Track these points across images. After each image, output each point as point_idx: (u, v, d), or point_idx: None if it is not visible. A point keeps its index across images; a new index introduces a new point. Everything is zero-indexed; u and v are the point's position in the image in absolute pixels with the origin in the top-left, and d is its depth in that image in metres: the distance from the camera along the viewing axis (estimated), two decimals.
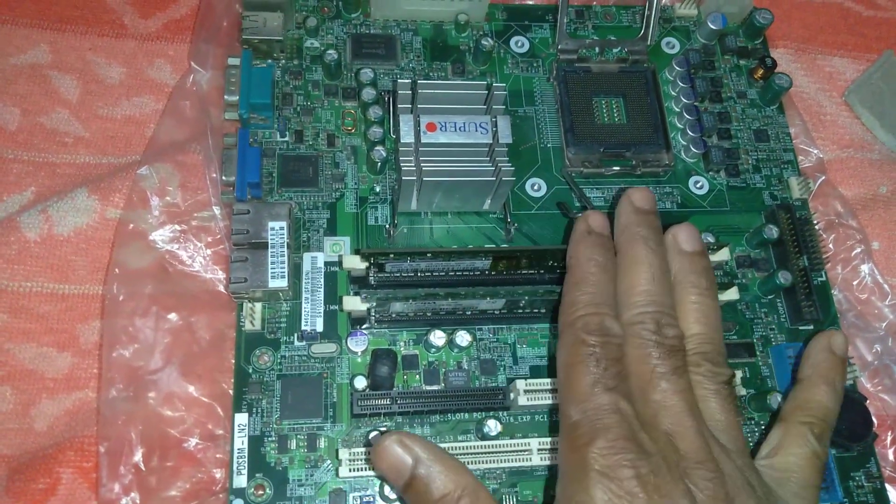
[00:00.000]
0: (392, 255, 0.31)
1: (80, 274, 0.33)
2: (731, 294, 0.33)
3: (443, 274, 0.33)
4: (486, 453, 0.30)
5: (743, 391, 0.33)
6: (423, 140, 0.33)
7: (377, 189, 0.36)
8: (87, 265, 0.33)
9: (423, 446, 0.26)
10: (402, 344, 0.33)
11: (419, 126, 0.33)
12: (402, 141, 0.33)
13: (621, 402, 0.25)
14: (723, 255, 0.34)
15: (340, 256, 0.33)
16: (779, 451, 0.28)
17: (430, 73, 0.39)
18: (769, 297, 0.37)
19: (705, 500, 0.23)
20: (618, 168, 0.38)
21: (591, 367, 0.25)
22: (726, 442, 0.26)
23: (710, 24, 0.41)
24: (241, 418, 0.31)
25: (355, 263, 0.31)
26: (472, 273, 0.33)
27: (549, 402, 0.31)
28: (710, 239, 0.35)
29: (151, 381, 0.30)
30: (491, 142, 0.34)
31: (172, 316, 0.31)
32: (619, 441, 0.24)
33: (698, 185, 0.38)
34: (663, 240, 0.30)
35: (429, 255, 0.31)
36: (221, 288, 0.33)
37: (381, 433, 0.29)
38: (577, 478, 0.24)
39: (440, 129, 0.33)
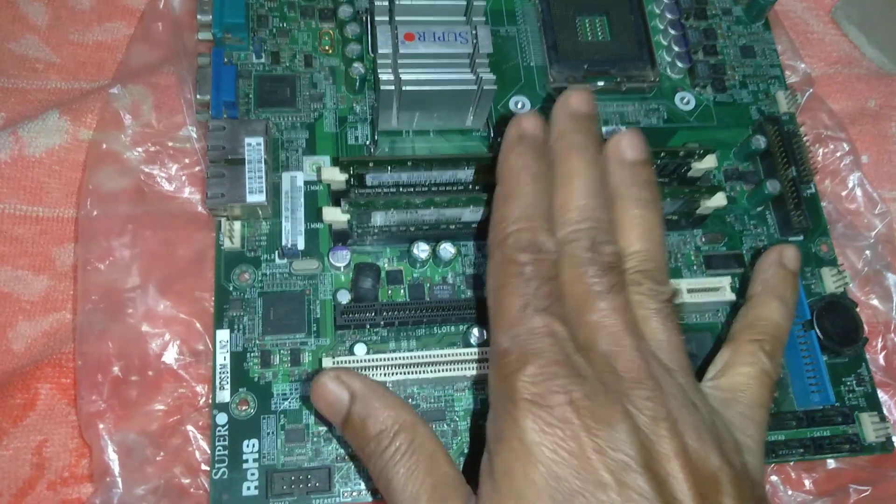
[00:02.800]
0: (371, 164, 0.30)
1: (53, 196, 0.32)
2: (718, 200, 0.33)
3: (425, 188, 0.32)
4: (473, 361, 0.30)
5: (732, 297, 0.32)
6: (402, 50, 0.32)
7: (356, 109, 0.35)
8: (60, 188, 0.32)
9: (360, 382, 0.25)
10: (385, 261, 0.33)
11: (397, 36, 0.33)
12: (379, 51, 0.32)
13: (554, 324, 0.23)
14: (709, 162, 0.33)
15: (319, 168, 0.33)
16: (727, 371, 0.26)
17: None
18: (758, 208, 0.36)
19: (645, 421, 0.22)
20: (602, 84, 0.37)
21: (520, 287, 0.23)
22: (668, 361, 0.24)
23: None
24: (223, 334, 0.30)
25: (335, 175, 0.30)
26: (454, 185, 0.32)
27: None
28: (695, 145, 0.35)
29: (129, 299, 0.29)
30: (471, 51, 0.33)
31: (149, 234, 0.31)
32: (551, 366, 0.22)
33: (684, 101, 0.38)
34: (602, 148, 0.27)
35: (409, 163, 0.30)
36: (200, 208, 0.32)
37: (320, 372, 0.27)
38: (507, 409, 0.22)
39: (418, 38, 0.33)
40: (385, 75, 0.32)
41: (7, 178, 0.31)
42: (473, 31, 0.33)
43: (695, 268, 0.34)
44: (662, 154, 0.32)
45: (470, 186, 0.32)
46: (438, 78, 0.32)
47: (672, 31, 0.38)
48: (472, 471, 0.23)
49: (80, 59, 0.35)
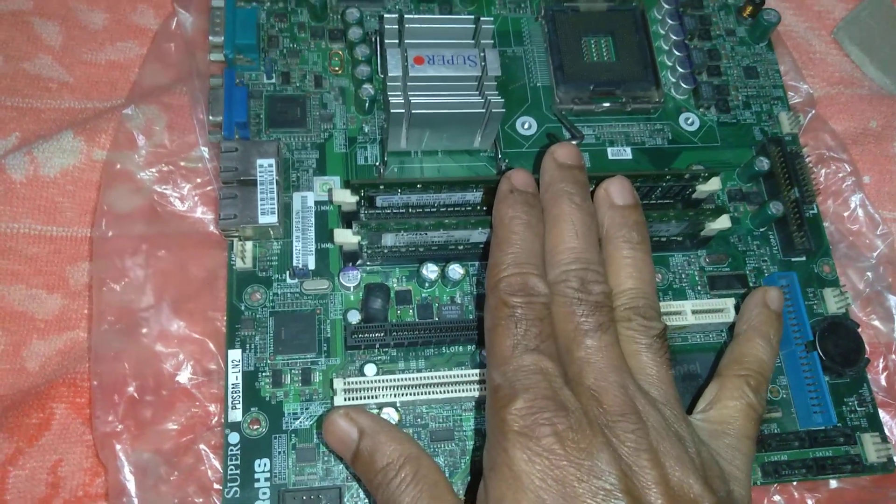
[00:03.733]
0: (382, 187, 0.31)
1: (67, 216, 0.32)
2: (723, 222, 0.33)
3: (433, 209, 0.33)
4: (481, 381, 0.30)
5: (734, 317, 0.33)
6: (412, 73, 0.33)
7: (366, 129, 0.36)
8: (74, 207, 0.33)
9: (367, 419, 0.27)
10: (394, 280, 0.33)
11: (406, 59, 0.33)
12: (389, 74, 0.33)
13: (542, 361, 0.24)
14: (713, 184, 0.34)
15: (330, 189, 0.33)
16: (715, 404, 0.28)
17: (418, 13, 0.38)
18: (761, 229, 0.37)
19: (627, 452, 0.23)
20: (608, 105, 0.37)
21: (511, 328, 0.25)
22: (657, 395, 0.26)
23: None
24: (235, 354, 0.31)
25: (345, 197, 0.31)
26: (463, 206, 0.33)
27: None
28: (700, 168, 0.35)
29: (143, 318, 0.30)
30: (480, 74, 0.33)
31: (163, 254, 0.31)
32: (539, 400, 0.23)
33: (689, 122, 0.38)
34: (589, 195, 0.29)
35: (419, 186, 0.31)
36: (212, 228, 0.33)
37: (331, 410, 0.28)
38: (498, 440, 0.23)
39: (428, 61, 0.33)
40: (395, 98, 0.32)
41: (22, 198, 0.32)
42: (482, 54, 0.34)
43: (699, 288, 0.35)
44: (668, 177, 0.33)
45: (479, 208, 0.32)
46: (448, 101, 0.33)
47: (677, 52, 0.39)
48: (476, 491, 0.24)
49: (94, 78, 0.36)
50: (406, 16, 0.33)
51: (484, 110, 0.33)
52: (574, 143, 0.35)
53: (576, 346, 0.25)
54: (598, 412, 0.24)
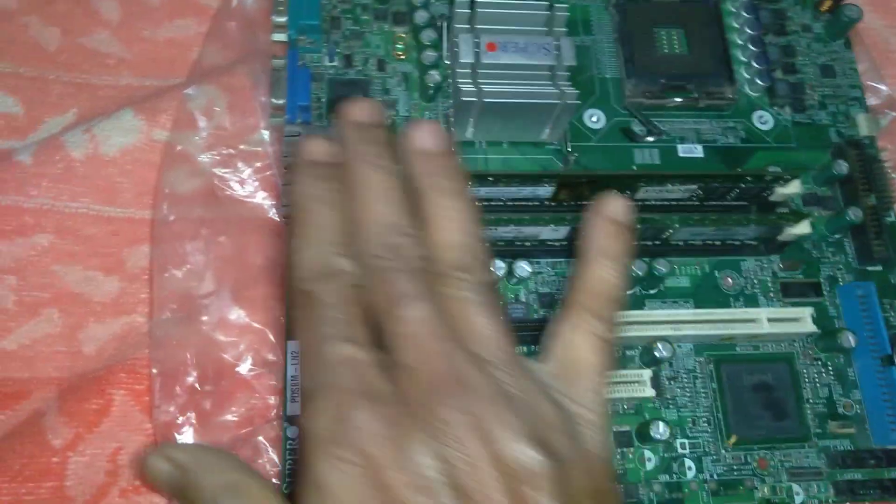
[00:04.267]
0: None
1: (126, 197, 0.32)
2: (804, 228, 0.32)
3: (501, 203, 0.32)
4: None
5: (813, 328, 0.31)
6: (483, 60, 0.32)
7: (428, 116, 0.35)
8: (133, 188, 0.32)
9: (184, 453, 0.25)
10: None
11: (479, 45, 0.32)
12: (461, 61, 0.32)
13: (348, 350, 0.21)
14: (794, 187, 0.32)
15: None
16: (558, 343, 0.24)
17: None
18: (836, 236, 0.35)
19: (450, 435, 0.20)
20: (680, 100, 0.36)
21: (313, 320, 0.22)
22: (487, 356, 0.22)
23: None
24: (295, 345, 0.30)
25: None
26: (532, 202, 0.31)
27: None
28: (779, 171, 0.34)
29: (203, 305, 0.29)
30: (554, 63, 0.32)
31: (223, 240, 0.30)
32: (343, 396, 0.20)
33: (762, 120, 0.37)
34: (391, 153, 0.25)
35: (490, 178, 0.30)
36: (272, 214, 0.32)
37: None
38: (303, 455, 0.20)
39: (501, 49, 0.32)
40: (466, 86, 0.31)
41: (81, 177, 0.31)
42: (556, 43, 0.33)
43: (771, 295, 0.34)
44: (748, 178, 0.31)
45: (550, 203, 0.31)
46: (520, 90, 0.31)
47: (752, 48, 0.37)
48: None
49: (151, 55, 0.35)
50: (477, 0, 0.32)
51: (558, 101, 0.31)
52: (650, 139, 0.34)
53: (392, 322, 0.22)
54: (417, 394, 0.21)
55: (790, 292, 0.34)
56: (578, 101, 0.31)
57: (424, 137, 0.25)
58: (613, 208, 0.26)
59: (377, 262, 0.23)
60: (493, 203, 0.31)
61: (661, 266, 0.31)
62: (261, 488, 0.24)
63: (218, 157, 0.32)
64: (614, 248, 0.26)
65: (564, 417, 0.22)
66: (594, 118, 0.36)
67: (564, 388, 0.23)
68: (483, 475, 0.20)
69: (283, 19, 0.33)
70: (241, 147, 0.32)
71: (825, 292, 0.34)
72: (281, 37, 0.34)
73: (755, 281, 0.34)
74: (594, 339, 0.24)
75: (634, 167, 0.35)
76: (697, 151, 0.36)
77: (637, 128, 0.35)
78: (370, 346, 0.22)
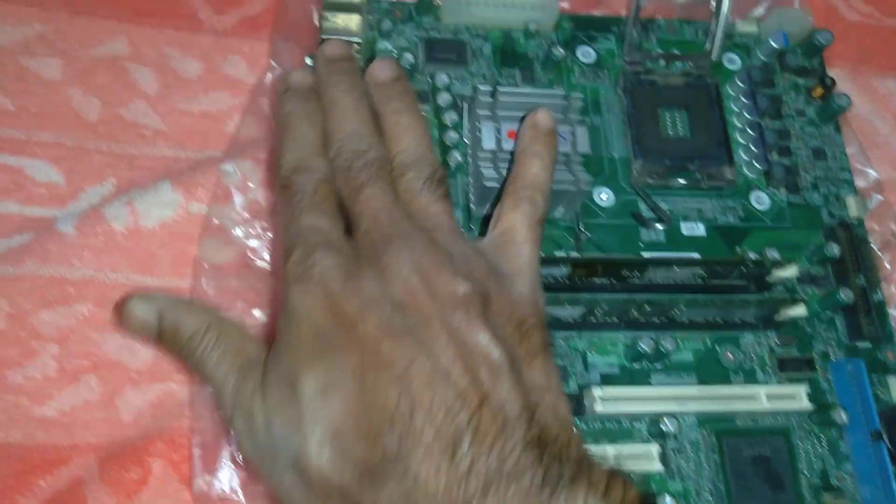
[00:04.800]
0: None
1: (163, 267, 0.33)
2: (800, 310, 0.34)
3: None
4: None
5: (809, 405, 0.33)
6: (504, 147, 0.34)
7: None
8: (170, 258, 0.33)
9: (163, 299, 0.28)
10: None
11: (500, 133, 0.34)
12: (484, 147, 0.34)
13: (318, 219, 0.27)
14: (791, 271, 0.35)
15: None
16: (498, 223, 0.30)
17: (500, 80, 0.39)
18: (828, 313, 0.37)
19: (391, 270, 0.25)
20: (683, 181, 0.38)
21: (292, 201, 0.27)
22: (430, 225, 0.28)
23: (772, 42, 0.42)
24: None
25: None
26: (546, 279, 0.33)
27: (627, 409, 0.32)
28: (776, 255, 0.36)
29: None
30: (569, 150, 0.34)
31: (257, 312, 0.32)
32: (310, 248, 0.25)
33: (759, 201, 0.39)
34: (358, 80, 0.31)
35: None
36: None
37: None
38: (283, 295, 0.26)
39: None
40: (488, 171, 0.33)
41: (123, 248, 0.33)
42: (571, 130, 0.35)
43: (768, 369, 0.36)
44: (750, 263, 0.34)
45: (565, 282, 0.33)
46: None
47: (750, 132, 0.40)
48: None
49: (187, 128, 0.36)
50: (500, 89, 0.34)
51: (573, 188, 0.34)
52: (659, 226, 0.36)
53: (354, 203, 0.27)
54: (369, 247, 0.26)
55: (786, 367, 0.36)
56: (591, 189, 0.34)
57: (379, 70, 0.32)
58: (538, 118, 0.32)
59: (341, 161, 0.28)
60: None
61: (668, 344, 0.34)
62: (235, 328, 0.28)
63: (252, 230, 0.34)
64: (540, 149, 0.32)
65: (494, 270, 0.27)
66: (603, 196, 0.38)
67: (499, 256, 0.29)
68: (419, 298, 0.25)
69: None
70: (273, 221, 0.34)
71: (818, 367, 0.36)
72: None
73: (753, 356, 0.36)
74: (525, 218, 0.30)
75: (641, 244, 0.37)
76: (699, 230, 0.38)
77: (646, 215, 0.37)
78: (338, 219, 0.27)
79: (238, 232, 0.33)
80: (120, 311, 0.27)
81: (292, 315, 0.25)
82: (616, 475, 0.23)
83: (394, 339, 0.24)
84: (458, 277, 0.25)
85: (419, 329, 0.24)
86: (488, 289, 0.26)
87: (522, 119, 0.33)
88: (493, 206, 0.35)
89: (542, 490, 0.22)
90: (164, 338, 0.27)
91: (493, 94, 0.34)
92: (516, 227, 0.29)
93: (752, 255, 0.36)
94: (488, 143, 0.34)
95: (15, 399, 0.30)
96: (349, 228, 0.27)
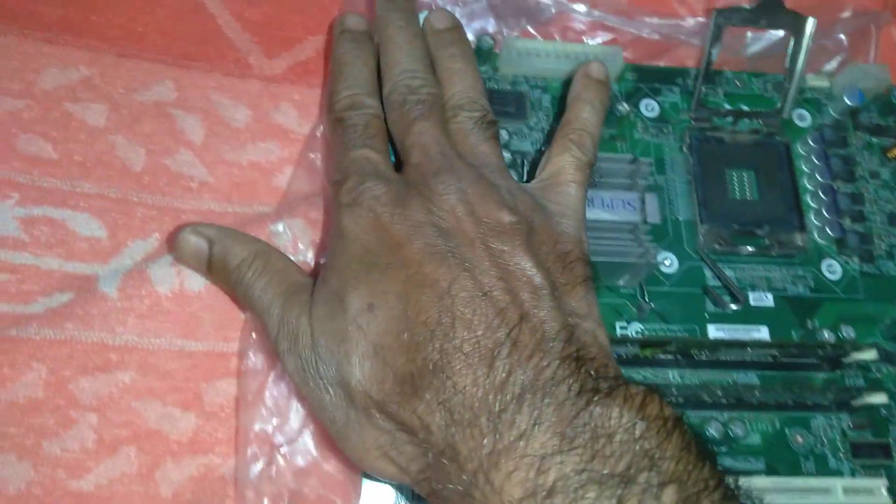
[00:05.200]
0: None
1: (206, 330, 0.32)
2: (880, 398, 0.32)
3: None
4: None
5: (888, 501, 0.31)
6: None
7: None
8: (214, 321, 0.32)
9: (213, 229, 0.30)
10: None
11: None
12: None
13: (369, 153, 0.28)
14: (869, 354, 0.33)
15: None
16: (546, 165, 0.31)
17: None
18: None
19: (437, 198, 0.26)
20: (752, 249, 0.36)
21: (344, 135, 0.29)
22: (478, 162, 0.29)
23: (846, 99, 0.39)
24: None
25: None
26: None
27: None
28: (852, 334, 0.34)
29: (286, 453, 0.29)
30: (638, 220, 0.32)
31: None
32: (363, 177, 0.27)
33: (831, 270, 0.37)
34: (415, 18, 0.33)
35: None
36: None
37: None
38: (333, 218, 0.28)
39: (587, 204, 0.32)
40: None
41: (167, 313, 0.31)
42: (640, 196, 0.33)
43: (841, 455, 0.34)
44: (827, 347, 0.32)
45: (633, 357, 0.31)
46: (605, 248, 0.32)
47: (822, 196, 0.38)
48: None
49: (235, 179, 0.35)
50: None
51: (640, 260, 0.32)
52: (734, 307, 0.34)
53: (406, 136, 0.29)
54: (418, 177, 0.27)
55: (860, 453, 0.34)
56: (658, 262, 0.32)
57: (437, 19, 0.33)
58: (591, 68, 0.34)
59: (396, 96, 0.30)
60: None
61: (738, 429, 0.32)
62: (282, 257, 0.29)
63: None
64: (592, 96, 0.33)
65: (540, 206, 0.28)
66: (667, 262, 0.36)
67: (547, 195, 0.29)
68: (464, 224, 0.26)
69: None
70: None
71: (895, 454, 0.34)
72: None
73: (824, 440, 0.34)
74: (574, 159, 0.30)
75: (707, 315, 0.35)
76: (768, 300, 0.36)
77: (712, 283, 0.35)
78: (387, 153, 0.29)
79: None
80: (172, 242, 0.30)
81: (342, 237, 0.26)
82: (652, 392, 0.23)
83: (437, 260, 0.25)
84: (504, 207, 0.26)
85: (462, 251, 0.25)
86: (533, 221, 0.27)
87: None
88: None
89: (578, 400, 0.22)
90: (214, 266, 0.29)
91: None
92: (565, 168, 0.30)
93: (827, 335, 0.34)
94: None
95: (51, 472, 0.29)
96: (400, 166, 0.29)
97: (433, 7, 0.37)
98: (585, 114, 0.32)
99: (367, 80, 0.31)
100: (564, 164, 0.30)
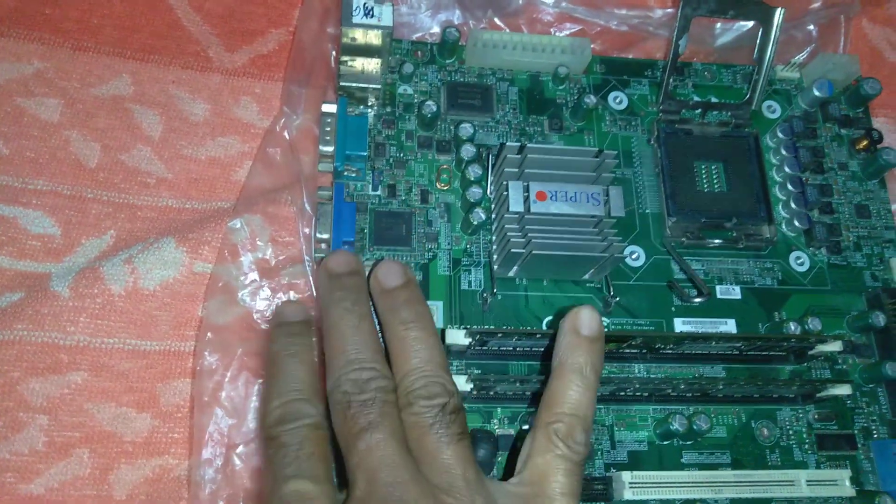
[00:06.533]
0: (500, 335, 0.29)
1: (162, 329, 0.31)
2: (844, 389, 0.32)
3: (542, 350, 0.31)
4: None
5: (851, 491, 0.31)
6: (532, 209, 0.31)
7: (470, 249, 0.34)
8: (169, 320, 0.31)
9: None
10: (496, 422, 0.32)
11: (528, 194, 0.32)
12: (511, 209, 0.31)
13: (301, 484, 0.23)
14: (835, 346, 0.32)
15: (444, 331, 0.31)
16: (527, 463, 0.25)
17: (526, 129, 0.37)
18: (870, 385, 0.35)
19: None
20: (719, 241, 0.36)
21: (274, 462, 0.24)
22: (440, 482, 0.24)
23: (815, 91, 0.39)
24: None
25: (459, 339, 0.30)
26: None
27: (658, 496, 0.29)
28: (819, 326, 0.34)
29: (242, 454, 0.28)
30: (602, 214, 0.32)
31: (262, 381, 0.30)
32: None
33: (799, 262, 0.37)
34: (362, 297, 0.27)
35: (538, 335, 0.29)
36: None
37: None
38: None
39: (550, 198, 0.32)
40: (515, 237, 0.31)
41: (120, 312, 0.30)
42: (605, 189, 0.33)
43: (806, 447, 0.33)
44: (792, 339, 0.31)
45: None
46: (568, 242, 0.31)
47: (791, 188, 0.37)
48: None
49: (193, 175, 0.34)
50: (528, 145, 0.32)
51: (606, 254, 0.31)
52: (698, 300, 0.34)
53: (350, 453, 0.24)
54: None
55: (825, 445, 0.34)
56: (624, 256, 0.31)
57: (385, 275, 0.28)
58: (581, 321, 0.27)
59: (339, 395, 0.25)
60: (534, 350, 0.31)
61: (702, 423, 0.31)
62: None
63: (258, 291, 0.31)
64: (581, 361, 0.26)
65: None
66: (634, 255, 0.35)
67: None
68: None
69: (330, 149, 0.33)
70: (283, 281, 0.32)
71: (859, 445, 0.34)
72: (327, 167, 0.33)
73: (790, 432, 0.34)
74: (560, 460, 0.25)
75: (673, 308, 0.35)
76: (735, 293, 0.36)
77: (678, 277, 0.35)
78: (327, 481, 0.24)
79: (245, 292, 0.31)
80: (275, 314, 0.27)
81: None
82: None
83: None
84: None
85: None
86: None
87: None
88: (518, 266, 0.33)
89: None
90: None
91: (520, 150, 0.32)
92: (550, 473, 0.24)
93: (794, 327, 0.34)
94: (515, 205, 0.31)
95: None
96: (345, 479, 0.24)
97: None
98: (574, 391, 0.26)
99: (303, 380, 0.26)
100: (550, 469, 0.25)
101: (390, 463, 0.23)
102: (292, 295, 0.32)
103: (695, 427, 0.31)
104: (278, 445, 0.24)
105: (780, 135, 0.38)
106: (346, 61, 0.34)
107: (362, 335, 0.26)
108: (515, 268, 0.33)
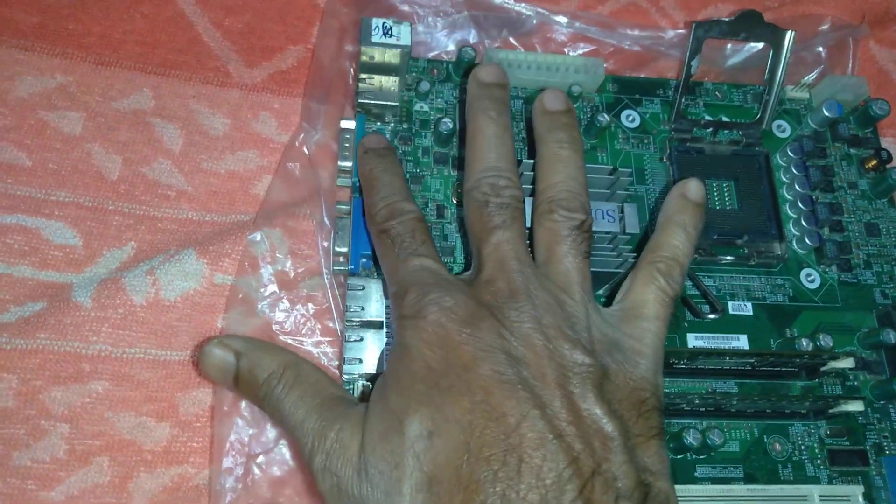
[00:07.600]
0: None
1: (182, 340, 0.31)
2: (856, 406, 0.32)
3: None
4: None
5: None
6: None
7: None
8: (189, 331, 0.31)
9: (240, 340, 0.28)
10: None
11: None
12: (527, 225, 0.32)
13: (423, 261, 0.27)
14: (846, 363, 0.33)
15: None
16: (628, 293, 0.29)
17: None
18: (881, 402, 0.35)
19: (509, 324, 0.24)
20: (731, 258, 0.36)
21: (390, 246, 0.27)
22: (559, 283, 0.27)
23: (825, 111, 0.40)
24: None
25: None
26: None
27: None
28: (830, 342, 0.34)
29: (262, 463, 0.29)
30: (617, 230, 0.32)
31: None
32: (425, 287, 0.25)
33: (810, 279, 0.37)
34: (506, 110, 0.30)
35: None
36: (325, 361, 0.32)
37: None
38: (395, 330, 0.26)
39: None
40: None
41: (141, 322, 0.31)
42: (619, 206, 0.33)
43: (818, 462, 0.34)
44: (805, 356, 0.32)
45: None
46: None
47: (802, 206, 0.38)
48: None
49: (212, 188, 0.35)
50: None
51: (620, 270, 0.32)
52: (712, 316, 0.34)
53: (482, 244, 0.27)
54: (490, 297, 0.25)
55: (837, 461, 0.34)
56: None
57: (551, 99, 0.31)
58: (689, 188, 0.31)
59: (477, 194, 0.28)
60: None
61: (716, 437, 0.31)
62: (312, 367, 0.27)
63: (278, 303, 0.32)
64: (685, 219, 0.30)
65: (616, 343, 0.26)
66: None
67: (626, 328, 0.27)
68: (538, 357, 0.24)
69: (348, 164, 0.34)
70: (302, 293, 0.32)
71: (871, 461, 0.34)
72: (346, 182, 0.34)
73: (803, 447, 0.34)
74: (658, 291, 0.28)
75: (686, 324, 0.35)
76: (747, 309, 0.36)
77: (692, 293, 0.35)
78: (440, 260, 0.27)
79: (264, 304, 0.31)
80: (198, 355, 0.27)
81: (405, 352, 0.24)
82: None
83: (506, 390, 0.23)
84: (579, 346, 0.25)
85: (534, 385, 0.23)
86: (608, 364, 0.25)
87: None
88: None
89: None
90: (241, 380, 0.27)
91: (534, 167, 0.33)
92: (648, 302, 0.28)
93: (806, 344, 0.34)
94: (531, 221, 0.32)
95: (21, 483, 0.28)
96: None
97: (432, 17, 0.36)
98: (677, 240, 0.29)
99: (400, 187, 0.30)
100: (649, 297, 0.28)
101: (517, 256, 0.26)
102: (310, 307, 0.32)
103: (708, 441, 0.32)
104: (393, 235, 0.28)
105: (790, 154, 0.39)
106: (364, 79, 0.35)
107: (503, 146, 0.29)
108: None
